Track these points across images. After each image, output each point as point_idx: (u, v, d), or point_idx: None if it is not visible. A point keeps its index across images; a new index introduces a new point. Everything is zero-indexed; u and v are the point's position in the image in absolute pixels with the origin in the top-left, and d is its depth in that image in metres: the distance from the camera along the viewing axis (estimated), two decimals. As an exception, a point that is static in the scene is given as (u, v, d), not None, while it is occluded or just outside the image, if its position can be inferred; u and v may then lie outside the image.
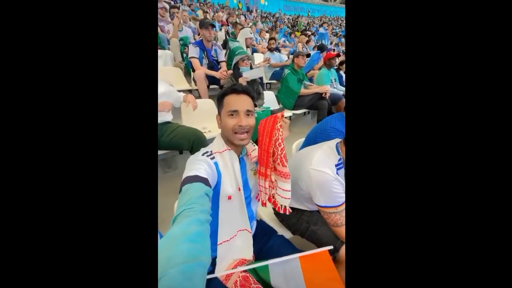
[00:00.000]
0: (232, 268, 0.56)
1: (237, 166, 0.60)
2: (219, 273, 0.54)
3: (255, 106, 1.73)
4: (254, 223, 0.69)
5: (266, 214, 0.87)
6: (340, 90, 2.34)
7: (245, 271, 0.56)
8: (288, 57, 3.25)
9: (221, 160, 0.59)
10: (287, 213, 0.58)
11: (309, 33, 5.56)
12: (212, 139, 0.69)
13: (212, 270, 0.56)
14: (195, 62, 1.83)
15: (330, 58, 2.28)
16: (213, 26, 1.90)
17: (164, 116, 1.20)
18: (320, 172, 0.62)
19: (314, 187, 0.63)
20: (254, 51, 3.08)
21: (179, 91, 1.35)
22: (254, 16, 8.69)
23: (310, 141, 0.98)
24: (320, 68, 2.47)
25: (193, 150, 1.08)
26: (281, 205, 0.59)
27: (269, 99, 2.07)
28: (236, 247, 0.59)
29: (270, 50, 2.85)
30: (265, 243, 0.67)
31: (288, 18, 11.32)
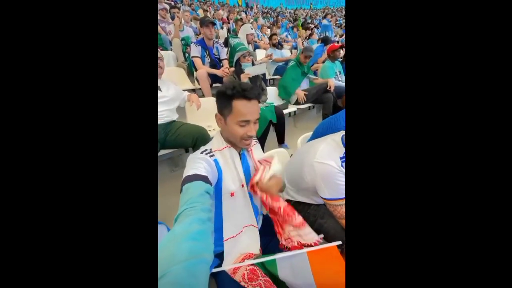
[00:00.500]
0: (241, 262, 0.56)
1: (238, 163, 0.60)
2: (226, 266, 0.55)
3: (258, 102, 1.73)
4: (260, 218, 0.69)
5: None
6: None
7: (252, 264, 0.56)
8: (291, 52, 3.20)
9: (221, 157, 0.59)
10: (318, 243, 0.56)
11: (312, 26, 5.44)
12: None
13: (220, 264, 0.57)
14: (197, 61, 1.84)
15: (333, 50, 2.22)
16: (214, 24, 1.90)
17: (169, 116, 1.22)
18: (324, 165, 0.61)
19: (318, 180, 0.62)
20: (256, 47, 3.05)
21: (183, 90, 1.37)
22: (255, 12, 8.59)
23: (318, 136, 0.96)
24: (324, 61, 2.41)
25: (195, 147, 1.09)
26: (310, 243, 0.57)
27: (273, 94, 2.05)
28: (242, 242, 0.59)
29: (273, 46, 2.82)
30: (272, 237, 0.67)
31: (290, 12, 11.10)
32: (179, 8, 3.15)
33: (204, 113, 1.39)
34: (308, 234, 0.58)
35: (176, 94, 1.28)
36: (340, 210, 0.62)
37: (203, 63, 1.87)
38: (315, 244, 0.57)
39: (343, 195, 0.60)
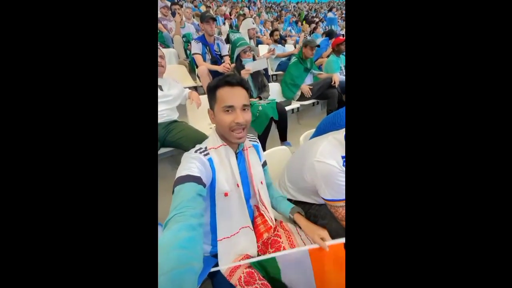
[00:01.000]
0: (237, 265, 0.54)
1: (234, 162, 0.58)
2: (224, 266, 0.54)
3: (260, 98, 1.69)
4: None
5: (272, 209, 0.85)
6: (351, 77, 2.21)
7: (249, 266, 0.54)
8: (295, 47, 3.12)
9: (217, 156, 0.57)
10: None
11: (316, 19, 5.30)
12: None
13: (216, 264, 0.55)
14: (198, 58, 1.81)
15: (338, 44, 2.14)
16: (214, 19, 1.86)
17: (170, 115, 1.21)
18: (324, 164, 0.58)
19: (319, 180, 0.59)
20: (259, 42, 3.00)
21: (185, 88, 1.36)
22: (258, 7, 8.45)
23: (321, 133, 0.93)
24: (329, 56, 2.34)
25: None
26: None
27: (275, 90, 2.01)
28: (239, 244, 0.58)
29: (275, 41, 2.76)
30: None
31: (294, 6, 10.86)
32: (181, 5, 3.12)
33: (204, 111, 1.37)
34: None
35: (178, 94, 1.28)
36: (341, 211, 0.59)
37: (204, 60, 1.84)
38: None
39: (345, 196, 0.56)
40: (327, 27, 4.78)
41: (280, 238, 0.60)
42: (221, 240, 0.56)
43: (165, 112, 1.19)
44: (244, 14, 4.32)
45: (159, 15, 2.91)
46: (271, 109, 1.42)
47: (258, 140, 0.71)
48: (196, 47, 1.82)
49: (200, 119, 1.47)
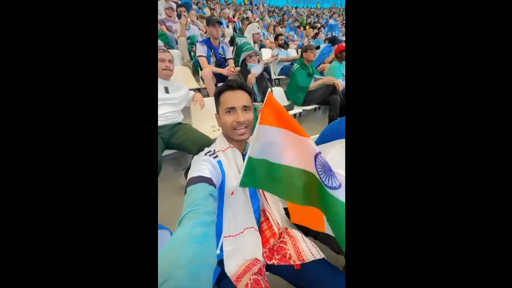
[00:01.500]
0: (245, 269, 0.55)
1: (241, 163, 0.60)
2: (230, 273, 0.54)
3: (263, 102, 1.70)
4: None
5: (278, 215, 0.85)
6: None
7: (256, 273, 0.54)
8: (297, 52, 3.16)
9: (225, 158, 0.59)
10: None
11: (319, 25, 5.37)
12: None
13: (222, 271, 0.55)
14: (203, 61, 1.83)
15: (341, 51, 2.17)
16: (220, 23, 1.88)
17: (175, 117, 1.22)
18: None
19: (327, 188, 0.60)
20: (262, 46, 3.03)
21: (189, 90, 1.37)
22: (261, 11, 8.55)
23: (325, 140, 0.93)
24: (331, 62, 2.37)
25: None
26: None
27: (278, 94, 2.02)
28: (245, 246, 0.58)
29: (279, 46, 2.79)
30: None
31: (296, 11, 11.00)
32: (185, 7, 3.14)
33: (208, 113, 1.38)
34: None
35: (184, 96, 1.29)
36: (348, 220, 0.60)
37: (209, 62, 1.86)
38: (297, 266, 0.56)
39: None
40: (328, 33, 4.85)
41: (286, 245, 0.61)
42: (226, 237, 0.57)
43: (171, 114, 1.20)
44: (248, 18, 4.37)
45: (164, 16, 2.92)
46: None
47: None
48: (201, 50, 1.83)
49: (203, 120, 1.48)
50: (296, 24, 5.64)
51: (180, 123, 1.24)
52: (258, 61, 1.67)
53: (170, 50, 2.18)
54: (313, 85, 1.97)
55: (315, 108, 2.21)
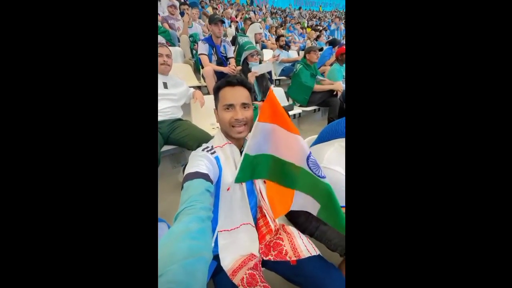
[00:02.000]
0: (241, 264, 0.55)
1: (238, 159, 0.60)
2: (226, 267, 0.54)
3: (263, 101, 1.71)
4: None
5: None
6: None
7: (252, 268, 0.55)
8: (298, 53, 3.17)
9: (222, 154, 0.59)
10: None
11: (320, 28, 5.41)
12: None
13: (218, 265, 0.55)
14: (204, 59, 1.83)
15: (342, 53, 2.19)
16: (223, 22, 1.89)
17: (175, 113, 1.22)
18: (330, 170, 0.59)
19: (324, 186, 0.60)
20: (263, 47, 3.04)
21: (189, 87, 1.37)
22: (263, 12, 8.58)
23: (323, 140, 0.94)
24: (332, 64, 2.39)
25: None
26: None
27: (278, 95, 2.03)
28: (241, 241, 0.59)
29: (280, 47, 2.81)
30: None
31: (298, 13, 11.06)
32: (188, 5, 3.15)
33: (208, 111, 1.38)
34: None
35: (183, 92, 1.29)
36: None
37: (210, 60, 1.86)
38: (293, 262, 0.56)
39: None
40: (330, 36, 4.89)
41: (283, 241, 0.61)
42: (221, 232, 0.57)
43: (170, 110, 1.20)
44: (250, 18, 4.38)
45: (167, 13, 2.93)
46: (274, 113, 1.44)
47: None
48: (202, 48, 1.84)
49: (203, 118, 1.48)
50: (298, 26, 5.68)
51: (180, 119, 1.24)
52: (260, 61, 1.68)
53: (172, 48, 2.19)
54: (318, 87, 1.98)
55: (314, 110, 2.22)
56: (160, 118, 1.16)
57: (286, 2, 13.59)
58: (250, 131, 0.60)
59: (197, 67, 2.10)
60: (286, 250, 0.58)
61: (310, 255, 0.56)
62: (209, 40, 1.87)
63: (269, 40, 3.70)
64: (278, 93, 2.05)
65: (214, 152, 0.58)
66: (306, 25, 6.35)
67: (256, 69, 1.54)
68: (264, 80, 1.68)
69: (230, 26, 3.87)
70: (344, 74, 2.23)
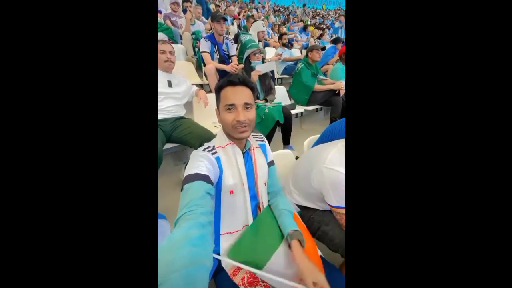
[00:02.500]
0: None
1: (241, 161, 0.59)
2: (227, 267, 0.54)
3: (266, 101, 1.70)
4: None
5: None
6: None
7: None
8: (301, 52, 3.15)
9: (224, 154, 0.57)
10: None
11: (324, 26, 5.35)
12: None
13: (219, 265, 0.55)
14: (206, 57, 1.82)
15: (345, 52, 2.17)
16: (225, 19, 1.87)
17: (178, 111, 1.22)
18: (333, 171, 0.59)
19: (326, 186, 0.60)
20: (266, 45, 3.02)
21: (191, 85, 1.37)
22: (266, 10, 8.50)
23: (326, 139, 0.94)
24: (335, 63, 2.37)
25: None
26: None
27: (280, 94, 2.02)
28: None
29: (283, 45, 2.78)
30: None
31: (302, 10, 10.95)
32: (191, 2, 3.13)
33: (210, 109, 1.38)
34: None
35: (186, 91, 1.29)
36: (347, 218, 0.60)
37: (212, 58, 1.85)
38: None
39: None
40: (333, 35, 4.84)
41: None
42: (224, 234, 0.57)
43: (173, 108, 1.20)
44: (253, 16, 4.35)
45: (169, 10, 2.91)
46: (277, 112, 1.43)
47: (265, 139, 0.71)
48: (205, 45, 1.83)
49: (205, 116, 1.48)
50: (301, 24, 5.62)
51: (182, 117, 1.24)
52: (262, 59, 1.67)
53: (174, 45, 2.18)
54: (319, 87, 1.97)
55: (316, 109, 2.20)
56: (163, 116, 1.16)
57: (289, 0, 13.45)
58: (251, 131, 0.59)
59: (199, 65, 2.10)
60: None
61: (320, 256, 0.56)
62: (211, 38, 1.86)
63: (271, 38, 3.67)
64: (281, 92, 2.04)
65: (215, 152, 0.57)
66: (309, 22, 6.29)
67: (260, 68, 1.53)
68: (267, 79, 1.67)
69: (232, 23, 3.85)
70: (347, 73, 2.21)
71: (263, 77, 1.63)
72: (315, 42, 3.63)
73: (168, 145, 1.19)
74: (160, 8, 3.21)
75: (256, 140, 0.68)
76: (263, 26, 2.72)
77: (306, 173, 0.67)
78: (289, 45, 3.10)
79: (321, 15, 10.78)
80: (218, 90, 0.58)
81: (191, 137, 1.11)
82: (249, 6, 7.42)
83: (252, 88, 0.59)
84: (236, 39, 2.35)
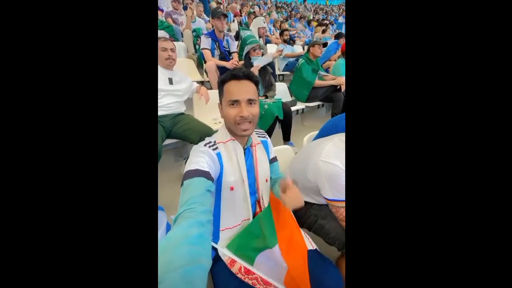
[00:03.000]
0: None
1: (242, 157, 0.58)
2: (224, 257, 0.55)
3: (266, 97, 1.70)
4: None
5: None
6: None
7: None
8: (303, 48, 3.12)
9: (225, 150, 0.57)
10: None
11: (327, 22, 5.27)
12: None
13: (216, 255, 0.56)
14: (207, 53, 1.82)
15: (345, 47, 2.14)
16: (226, 16, 1.86)
17: (178, 107, 1.23)
18: (329, 164, 0.59)
19: (322, 179, 0.60)
20: (268, 41, 3.00)
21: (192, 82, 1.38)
22: (268, 6, 8.42)
23: (324, 135, 0.93)
24: (337, 58, 2.34)
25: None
26: None
27: (281, 90, 2.01)
28: None
29: (284, 41, 2.76)
30: None
31: (304, 6, 10.80)
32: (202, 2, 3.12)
33: (211, 105, 1.39)
34: None
35: (187, 88, 1.30)
36: (342, 212, 0.60)
37: (213, 55, 1.85)
38: None
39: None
40: (337, 30, 4.76)
41: None
42: (223, 230, 0.57)
43: (174, 105, 1.21)
44: (254, 12, 4.31)
45: (171, 8, 2.92)
46: (277, 108, 1.43)
47: (267, 136, 0.71)
48: (205, 42, 1.83)
49: (205, 113, 1.49)
50: (303, 21, 5.55)
51: (182, 113, 1.25)
52: (262, 55, 1.66)
53: (175, 43, 2.19)
54: (319, 83, 1.95)
55: (318, 106, 2.18)
56: (163, 113, 1.17)
57: (292, -4, 13.25)
58: (254, 128, 0.58)
59: (200, 61, 2.10)
60: None
61: (307, 250, 0.56)
62: (212, 35, 1.85)
63: (273, 34, 3.64)
64: (282, 88, 2.02)
65: (216, 148, 0.56)
66: (311, 17, 6.20)
67: (258, 63, 1.53)
68: (267, 75, 1.66)
69: (233, 21, 3.83)
70: (349, 69, 2.18)
71: (263, 73, 1.62)
72: (320, 38, 3.59)
73: (168, 141, 1.21)
74: (162, 6, 3.22)
75: (258, 137, 0.68)
76: (264, 22, 2.70)
77: (303, 167, 0.68)
78: (291, 41, 3.07)
79: (324, 11, 10.60)
80: (221, 84, 0.57)
81: (191, 132, 1.12)
82: (251, 3, 7.37)
83: (256, 83, 0.58)
84: (237, 36, 2.34)
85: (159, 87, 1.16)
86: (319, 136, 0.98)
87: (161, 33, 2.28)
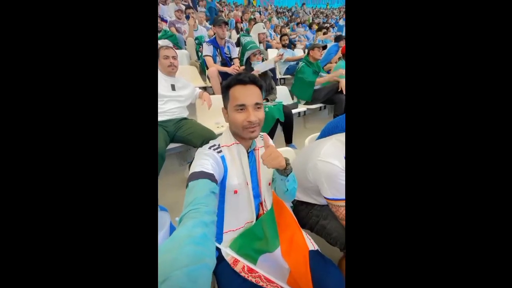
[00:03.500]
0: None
1: (245, 161, 0.59)
2: (227, 256, 0.55)
3: (267, 100, 1.72)
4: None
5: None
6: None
7: None
8: (304, 52, 3.15)
9: (229, 154, 0.58)
10: None
11: (327, 25, 5.32)
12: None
13: (219, 255, 0.57)
14: (209, 60, 1.88)
15: (345, 47, 2.15)
16: (226, 23, 1.92)
17: (181, 112, 1.27)
18: (327, 164, 0.59)
19: (321, 179, 0.61)
20: (268, 46, 3.05)
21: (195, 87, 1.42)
22: (269, 12, 8.58)
23: (325, 135, 0.94)
24: (338, 60, 2.35)
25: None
26: None
27: (282, 94, 2.03)
28: None
29: (284, 46, 2.80)
30: None
31: (304, 10, 10.93)
32: (194, 9, 3.24)
33: (213, 110, 1.42)
34: None
35: (190, 94, 1.34)
36: (342, 211, 0.60)
37: (215, 61, 1.90)
38: None
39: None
40: (338, 33, 4.79)
41: None
42: (227, 232, 0.58)
43: (176, 110, 1.25)
44: (255, 19, 4.41)
45: (174, 18, 3.03)
46: (277, 111, 1.44)
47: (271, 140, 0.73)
48: (207, 49, 1.89)
49: (208, 117, 1.52)
50: (301, 26, 5.61)
51: (185, 118, 1.29)
52: (263, 60, 1.69)
53: (178, 51, 2.26)
54: (319, 80, 1.96)
55: (320, 107, 2.19)
56: (166, 118, 1.21)
57: (292, 1, 13.47)
58: (260, 131, 0.59)
59: (203, 68, 2.16)
60: None
61: (309, 250, 0.56)
62: (213, 42, 1.91)
63: (274, 39, 3.70)
64: (283, 91, 2.05)
65: (221, 151, 0.57)
66: (310, 20, 6.27)
67: (258, 67, 1.56)
68: (267, 79, 1.69)
69: (234, 28, 3.92)
70: (350, 70, 2.18)
71: (263, 77, 1.65)
72: (322, 40, 3.62)
73: (172, 145, 1.24)
74: (166, 17, 3.34)
75: (262, 140, 0.69)
76: (264, 28, 2.75)
77: (303, 167, 0.68)
78: (291, 45, 3.11)
79: (324, 14, 10.70)
80: (226, 88, 0.57)
81: (194, 136, 1.15)
82: (252, 9, 7.52)
83: (261, 87, 0.58)
84: (238, 42, 2.40)
85: (162, 93, 1.20)
86: (320, 137, 0.98)
87: (165, 42, 2.36)
